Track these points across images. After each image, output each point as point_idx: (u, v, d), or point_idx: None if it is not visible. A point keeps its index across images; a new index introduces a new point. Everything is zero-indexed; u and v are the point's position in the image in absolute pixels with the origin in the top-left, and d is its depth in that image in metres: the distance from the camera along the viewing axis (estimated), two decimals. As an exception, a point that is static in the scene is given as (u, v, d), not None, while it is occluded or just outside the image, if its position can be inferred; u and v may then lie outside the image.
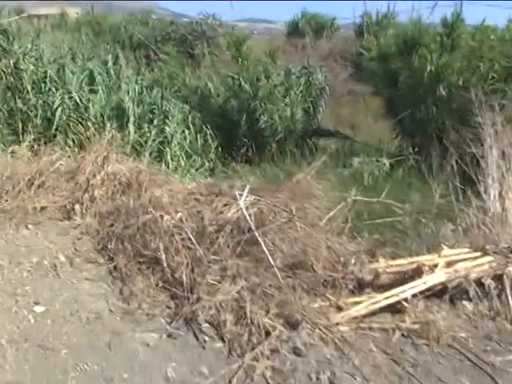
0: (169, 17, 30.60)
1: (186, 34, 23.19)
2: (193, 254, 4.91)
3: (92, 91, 12.35)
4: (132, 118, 11.32)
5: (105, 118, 11.37)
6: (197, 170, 12.58)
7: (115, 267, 5.16)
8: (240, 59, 15.66)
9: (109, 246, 5.37)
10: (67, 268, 5.20)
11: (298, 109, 14.64)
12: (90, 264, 5.29)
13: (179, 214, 5.27)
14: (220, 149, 13.69)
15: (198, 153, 12.87)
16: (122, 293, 4.87)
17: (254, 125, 15.02)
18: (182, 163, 12.20)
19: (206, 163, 12.96)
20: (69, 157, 7.22)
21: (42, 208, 6.35)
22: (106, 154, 6.85)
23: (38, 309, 4.63)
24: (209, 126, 13.36)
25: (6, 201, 6.43)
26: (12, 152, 9.31)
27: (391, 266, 4.96)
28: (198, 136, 12.99)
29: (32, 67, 10.84)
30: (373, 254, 5.26)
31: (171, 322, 4.50)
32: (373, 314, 4.64)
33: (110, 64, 13.68)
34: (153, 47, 19.96)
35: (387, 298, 4.62)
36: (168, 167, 11.64)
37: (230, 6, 31.36)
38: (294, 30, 27.16)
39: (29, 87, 11.12)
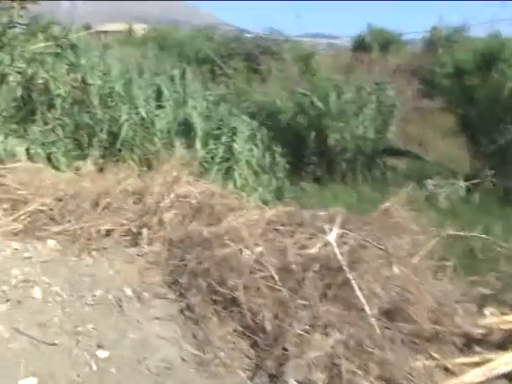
0: (232, 32, 30.29)
1: (251, 49, 22.74)
2: (276, 295, 4.24)
3: (159, 106, 11.91)
4: (200, 134, 10.74)
5: (172, 133, 10.81)
6: (264, 188, 11.95)
7: (187, 305, 4.53)
8: (308, 75, 14.99)
9: (180, 280, 4.74)
10: (134, 304, 4.59)
11: (371, 127, 13.86)
12: (158, 300, 4.68)
13: (259, 248, 4.61)
14: (287, 166, 13.05)
15: (266, 170, 12.24)
16: (195, 337, 4.24)
17: (323, 142, 14.32)
18: (250, 181, 11.59)
19: (274, 181, 12.30)
20: (138, 175, 6.64)
21: (107, 231, 5.79)
22: (175, 174, 6.25)
23: (102, 354, 4.03)
24: (277, 143, 12.72)
25: (69, 221, 5.90)
26: (76, 168, 8.90)
27: (506, 321, 4.17)
28: (266, 153, 12.36)
29: (99, 82, 10.38)
30: (480, 303, 4.48)
31: (253, 377, 3.83)
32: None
33: (176, 79, 13.24)
34: (219, 62, 19.51)
35: (508, 363, 3.82)
36: (236, 186, 11.07)
37: (295, 18, 30.72)
38: (360, 45, 26.36)
39: (95, 102, 10.67)
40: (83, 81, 10.14)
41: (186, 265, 4.82)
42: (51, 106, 10.17)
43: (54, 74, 9.42)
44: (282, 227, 5.14)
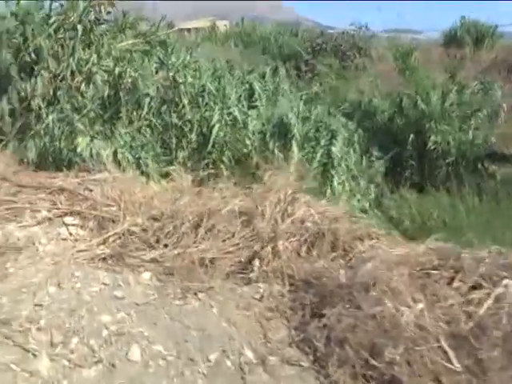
0: (316, 28, 28.87)
1: (337, 45, 21.35)
2: (452, 378, 3.02)
3: (251, 106, 10.80)
4: (297, 137, 9.57)
5: (267, 135, 9.69)
6: (362, 195, 10.69)
7: (327, 376, 3.37)
8: (407, 72, 13.58)
9: (315, 341, 3.58)
10: (259, 373, 3.46)
11: (480, 130, 12.36)
12: (289, 367, 3.54)
13: (420, 305, 3.42)
14: (383, 171, 11.75)
15: (363, 176, 10.98)
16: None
17: (422, 146, 12.92)
18: (347, 187, 10.35)
19: (372, 188, 11.01)
20: (245, 191, 5.54)
21: (212, 261, 4.69)
22: (291, 191, 5.11)
23: None
24: (374, 146, 11.42)
25: (166, 246, 4.86)
26: (167, 173, 7.90)
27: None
28: (364, 157, 11.08)
29: (190, 80, 9.34)
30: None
31: None
32: None
33: (267, 77, 12.11)
34: (309, 58, 18.24)
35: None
36: (333, 192, 9.86)
37: (377, 12, 29.05)
38: (452, 40, 24.37)
39: (185, 101, 9.63)
40: (174, 79, 9.10)
41: (319, 319, 3.64)
42: (139, 105, 9.24)
43: (143, 73, 8.41)
44: (433, 270, 3.90)
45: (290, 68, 19.84)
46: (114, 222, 5.15)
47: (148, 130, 9.63)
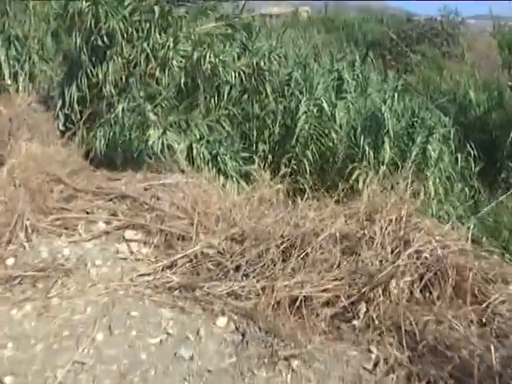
0: (402, 14, 27.06)
1: (425, 31, 19.62)
2: None
3: (339, 97, 9.51)
4: (391, 133, 8.23)
5: (357, 130, 8.40)
6: (457, 200, 9.24)
7: None
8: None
9: None
10: None
11: None
12: None
13: None
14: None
15: (459, 178, 9.51)
16: None
17: (521, 145, 11.28)
18: (441, 191, 8.94)
19: (467, 190, 9.49)
20: (346, 209, 4.31)
21: (305, 299, 3.51)
22: (403, 215, 3.86)
23: None
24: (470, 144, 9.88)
25: (247, 277, 3.72)
26: (246, 174, 6.76)
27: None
28: (459, 157, 9.57)
29: (276, 67, 8.13)
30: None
31: None
32: None
33: (357, 65, 10.78)
34: (403, 46, 16.62)
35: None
36: (428, 196, 8.48)
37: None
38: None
39: (269, 90, 8.44)
40: (257, 66, 7.91)
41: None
42: (218, 94, 8.12)
43: (224, 58, 7.26)
44: None
45: (375, 56, 18.34)
46: (184, 239, 4.06)
47: (227, 120, 8.53)
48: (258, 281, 3.68)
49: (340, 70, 9.93)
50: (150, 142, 6.45)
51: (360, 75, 10.54)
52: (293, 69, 9.22)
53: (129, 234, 4.26)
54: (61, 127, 7.82)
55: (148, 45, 7.08)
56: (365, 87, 9.97)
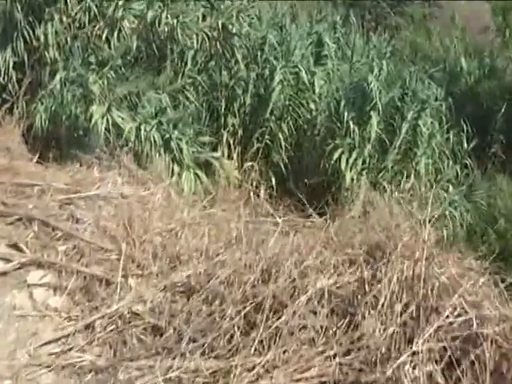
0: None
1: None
2: None
3: (318, 63, 8.19)
4: (379, 106, 7.01)
5: (340, 103, 7.16)
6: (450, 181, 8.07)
7: None
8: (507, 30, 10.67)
9: None
10: None
11: None
12: None
13: None
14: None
15: (451, 156, 8.32)
16: None
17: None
18: (432, 171, 7.79)
19: (458, 170, 8.27)
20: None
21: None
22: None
23: None
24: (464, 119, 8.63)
25: (190, 353, 2.51)
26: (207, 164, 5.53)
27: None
28: (451, 132, 8.33)
29: (247, 29, 6.84)
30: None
31: None
32: None
33: (338, 27, 9.46)
34: (385, 6, 15.16)
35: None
36: (418, 176, 7.34)
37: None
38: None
39: (239, 56, 7.15)
40: (223, 27, 6.60)
41: None
42: (181, 60, 6.84)
43: (185, 19, 5.95)
44: None
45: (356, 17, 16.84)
46: (109, 284, 2.83)
47: (192, 90, 7.28)
48: (207, 359, 2.47)
49: (320, 33, 8.61)
50: (93, 121, 5.18)
51: (341, 39, 9.24)
52: (267, 31, 7.89)
53: (33, 276, 3.04)
54: (-5, 99, 6.51)
55: (93, 1, 5.72)
56: (350, 53, 8.64)
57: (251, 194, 5.70)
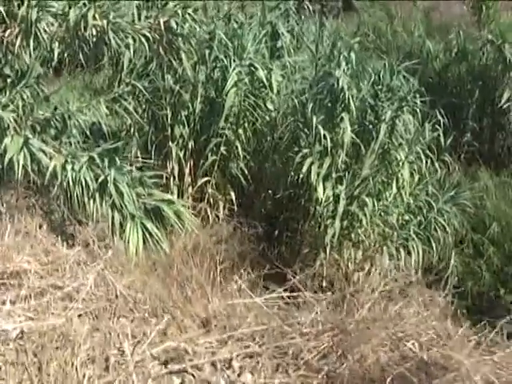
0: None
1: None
2: None
3: (274, 57, 7.22)
4: (352, 107, 6.01)
5: (307, 104, 6.15)
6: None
7: None
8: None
9: None
10: None
11: None
12: None
13: None
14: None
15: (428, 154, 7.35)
16: None
17: (488, 103, 9.39)
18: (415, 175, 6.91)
19: (438, 168, 7.27)
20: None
21: None
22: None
23: None
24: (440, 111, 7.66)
25: None
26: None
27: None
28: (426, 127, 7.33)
29: (191, 24, 5.75)
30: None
31: None
32: None
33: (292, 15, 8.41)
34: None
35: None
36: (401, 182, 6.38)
37: None
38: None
39: (183, 56, 6.03)
40: (165, 25, 5.48)
41: None
42: (114, 65, 5.75)
43: (116, 19, 4.81)
44: None
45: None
46: None
47: (131, 99, 6.20)
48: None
49: (274, 23, 7.54)
50: (7, 159, 3.98)
51: (296, 28, 8.20)
52: (215, 25, 6.80)
53: None
54: None
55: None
56: (308, 44, 7.60)
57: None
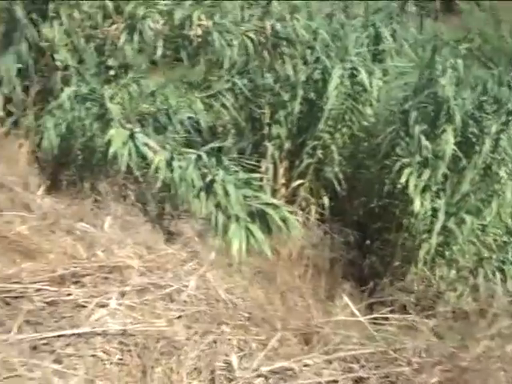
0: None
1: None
2: None
3: (376, 60, 6.93)
4: (457, 119, 5.75)
5: (410, 112, 5.84)
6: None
7: None
8: None
9: None
10: None
11: None
12: None
13: None
14: None
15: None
16: None
17: None
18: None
19: None
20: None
21: None
22: None
23: None
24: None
25: None
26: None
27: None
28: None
29: (297, 28, 5.68)
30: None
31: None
32: None
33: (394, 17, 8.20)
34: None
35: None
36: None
37: None
38: None
39: (287, 58, 5.99)
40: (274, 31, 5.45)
41: None
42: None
43: (222, 20, 4.80)
44: None
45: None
46: None
47: (229, 95, 6.15)
48: None
49: (378, 25, 7.35)
50: (111, 150, 4.02)
51: (398, 30, 7.95)
52: (317, 25, 6.68)
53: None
54: (-1, 112, 5.49)
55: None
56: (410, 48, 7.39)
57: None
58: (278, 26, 5.41)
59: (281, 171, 6.74)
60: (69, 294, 3.11)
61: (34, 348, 2.73)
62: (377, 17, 7.64)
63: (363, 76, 6.43)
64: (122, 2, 4.73)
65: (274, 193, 6.77)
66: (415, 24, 8.94)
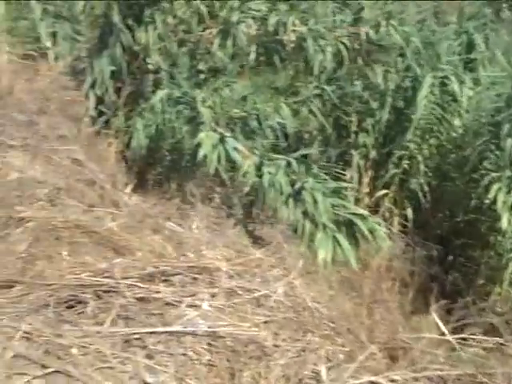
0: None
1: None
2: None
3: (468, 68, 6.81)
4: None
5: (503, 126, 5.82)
6: None
7: None
8: None
9: None
10: None
11: None
12: None
13: None
14: None
15: None
16: None
17: None
18: None
19: None
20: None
21: None
22: None
23: None
24: None
25: None
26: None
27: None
28: None
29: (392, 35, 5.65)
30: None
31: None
32: None
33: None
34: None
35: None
36: None
37: None
38: None
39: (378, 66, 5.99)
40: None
41: None
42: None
43: (315, 26, 4.82)
44: None
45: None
46: None
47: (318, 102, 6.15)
48: None
49: (471, 33, 7.20)
50: (201, 153, 4.12)
51: (492, 38, 7.75)
52: (409, 32, 6.59)
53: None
54: (91, 112, 5.69)
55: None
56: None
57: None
58: (371, 32, 5.35)
59: (365, 180, 6.68)
60: (158, 292, 3.19)
61: (126, 342, 2.83)
62: (470, 24, 7.49)
63: (454, 85, 6.33)
64: (216, 8, 4.84)
65: (357, 202, 6.73)
66: (510, 31, 8.68)
